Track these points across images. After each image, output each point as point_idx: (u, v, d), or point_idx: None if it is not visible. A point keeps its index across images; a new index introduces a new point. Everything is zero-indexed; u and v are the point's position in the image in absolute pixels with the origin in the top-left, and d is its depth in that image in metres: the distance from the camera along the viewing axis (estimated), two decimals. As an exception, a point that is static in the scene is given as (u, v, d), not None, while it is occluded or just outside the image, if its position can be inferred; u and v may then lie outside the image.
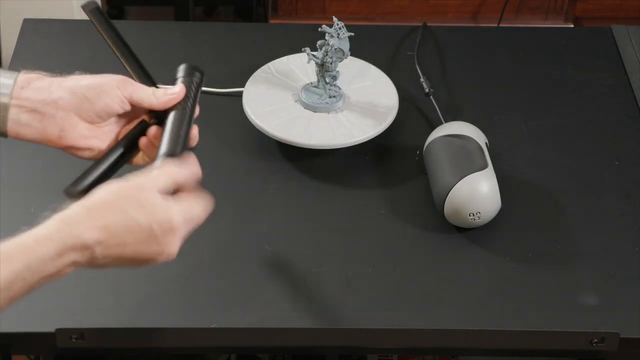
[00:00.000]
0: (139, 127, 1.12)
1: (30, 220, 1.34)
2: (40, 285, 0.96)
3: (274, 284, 1.27)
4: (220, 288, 1.26)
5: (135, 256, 0.99)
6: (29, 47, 1.62)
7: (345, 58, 1.44)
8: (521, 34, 1.74)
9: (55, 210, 0.98)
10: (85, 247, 0.96)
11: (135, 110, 1.12)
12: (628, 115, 1.54)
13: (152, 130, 1.11)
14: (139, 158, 1.13)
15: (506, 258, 1.31)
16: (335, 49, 1.42)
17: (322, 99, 1.46)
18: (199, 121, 1.51)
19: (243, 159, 1.44)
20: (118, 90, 1.09)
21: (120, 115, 1.12)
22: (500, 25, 2.23)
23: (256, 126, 1.43)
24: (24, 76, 1.10)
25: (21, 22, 1.67)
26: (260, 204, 1.37)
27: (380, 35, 1.69)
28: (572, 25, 2.32)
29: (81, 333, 1.20)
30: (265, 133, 1.42)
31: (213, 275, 1.28)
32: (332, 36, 1.43)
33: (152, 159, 1.08)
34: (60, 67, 1.57)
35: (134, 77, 1.12)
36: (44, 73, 1.12)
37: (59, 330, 1.19)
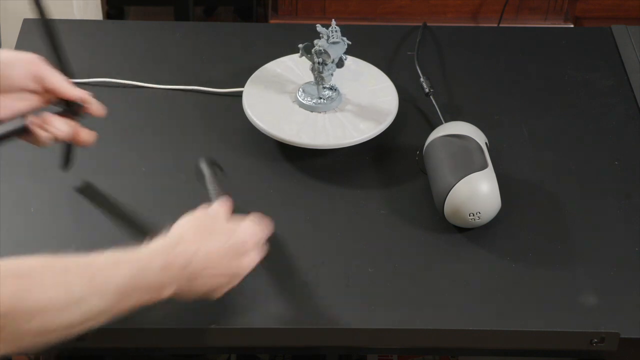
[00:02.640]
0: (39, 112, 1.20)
1: (31, 220, 1.34)
2: (143, 302, 1.07)
3: (274, 284, 1.27)
4: (220, 288, 1.26)
5: (222, 276, 1.14)
6: (29, 47, 1.61)
7: (332, 63, 1.43)
8: (521, 34, 1.74)
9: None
10: (185, 267, 1.09)
11: (47, 94, 1.20)
12: (628, 115, 1.54)
13: (48, 116, 1.18)
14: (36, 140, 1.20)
15: (506, 258, 1.31)
16: (322, 51, 1.42)
17: (315, 99, 1.46)
18: (199, 121, 1.51)
19: (243, 159, 1.44)
20: (29, 66, 1.17)
21: (31, 93, 1.19)
22: (500, 25, 2.23)
23: (256, 126, 1.43)
24: None
25: (21, 22, 1.67)
26: (260, 203, 1.37)
27: (380, 35, 1.69)
28: (572, 25, 2.32)
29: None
30: (265, 133, 1.42)
31: (213, 275, 1.28)
32: (322, 37, 1.43)
33: (39, 142, 1.19)
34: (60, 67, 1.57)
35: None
36: None
37: (59, 330, 1.19)
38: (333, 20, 1.44)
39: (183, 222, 1.15)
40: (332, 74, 1.46)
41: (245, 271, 1.17)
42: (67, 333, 1.00)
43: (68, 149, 1.31)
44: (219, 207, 1.20)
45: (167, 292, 1.09)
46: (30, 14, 1.58)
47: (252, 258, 1.17)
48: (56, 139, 1.20)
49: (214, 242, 1.13)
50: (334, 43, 1.43)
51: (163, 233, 1.12)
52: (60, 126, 1.19)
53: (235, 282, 1.16)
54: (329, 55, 1.42)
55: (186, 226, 1.14)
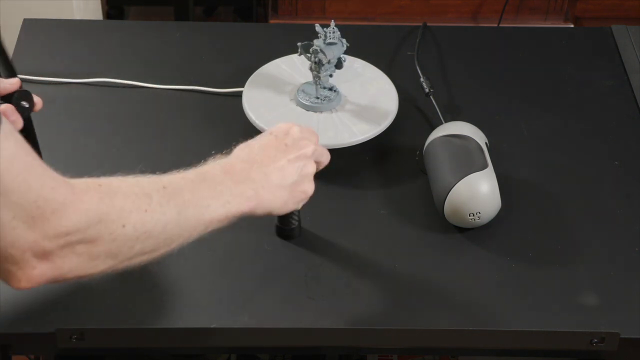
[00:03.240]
0: None
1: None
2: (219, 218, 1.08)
3: (274, 284, 1.27)
4: (220, 288, 1.26)
5: (291, 163, 1.15)
6: (29, 47, 1.62)
7: (329, 63, 1.43)
8: (521, 34, 1.74)
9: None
10: (247, 169, 1.11)
11: None
12: (628, 115, 1.54)
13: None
14: None
15: (506, 258, 1.31)
16: (318, 50, 1.42)
17: (313, 99, 1.46)
18: (199, 121, 1.51)
19: (243, 159, 1.44)
20: None
21: None
22: (500, 25, 2.23)
23: (256, 126, 1.43)
24: None
25: (21, 22, 1.67)
26: (260, 204, 1.37)
27: (380, 35, 1.69)
28: (572, 25, 2.32)
29: (81, 333, 1.20)
30: (265, 133, 1.42)
31: (213, 275, 1.28)
32: (320, 37, 1.43)
33: None
34: (60, 67, 1.57)
35: None
36: None
37: (59, 330, 1.19)
38: (332, 21, 1.44)
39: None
40: (331, 75, 1.45)
41: (308, 160, 1.17)
42: (163, 242, 1.02)
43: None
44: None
45: (246, 194, 1.10)
46: (30, 14, 1.58)
47: (303, 145, 1.17)
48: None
49: (264, 139, 1.16)
50: (330, 44, 1.43)
51: None
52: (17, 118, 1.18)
53: (308, 169, 1.17)
54: (325, 55, 1.42)
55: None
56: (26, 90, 1.21)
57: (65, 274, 0.95)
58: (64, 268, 0.94)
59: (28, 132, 1.22)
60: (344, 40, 1.44)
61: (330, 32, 1.43)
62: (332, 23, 1.44)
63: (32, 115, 1.22)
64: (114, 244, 0.97)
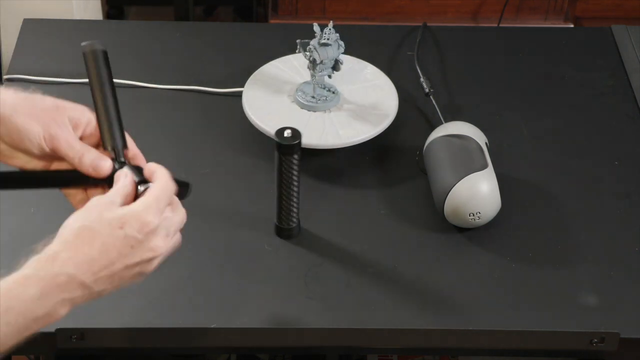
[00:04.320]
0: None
1: (31, 219, 1.34)
2: (35, 330, 0.92)
3: (274, 284, 1.27)
4: (220, 288, 1.26)
5: (128, 270, 0.96)
6: (29, 47, 1.62)
7: (322, 64, 1.43)
8: (521, 34, 1.74)
9: (33, 251, 0.95)
10: (72, 282, 0.93)
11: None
12: (628, 115, 1.54)
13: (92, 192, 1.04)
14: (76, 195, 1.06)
15: (506, 258, 1.31)
16: (312, 49, 1.42)
17: (309, 98, 1.46)
18: (199, 121, 1.51)
19: (243, 159, 1.44)
20: (41, 141, 1.02)
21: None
22: (500, 25, 2.23)
23: (256, 126, 1.43)
24: None
25: (21, 22, 1.67)
26: (260, 203, 1.37)
27: (380, 35, 1.69)
28: (572, 25, 2.32)
29: (81, 333, 1.20)
30: (266, 133, 1.42)
31: (213, 275, 1.28)
32: (315, 37, 1.43)
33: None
34: (60, 67, 1.57)
35: (103, 135, 1.05)
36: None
37: (59, 330, 1.19)
38: (331, 21, 1.44)
39: (70, 221, 0.97)
40: (328, 75, 1.45)
41: (155, 264, 0.99)
42: None
43: None
44: (116, 192, 0.99)
45: (60, 314, 0.94)
46: (30, 14, 1.58)
47: (158, 242, 0.97)
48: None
49: (103, 240, 0.94)
50: (324, 44, 1.42)
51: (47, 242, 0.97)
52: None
53: (147, 271, 0.99)
54: (318, 55, 1.42)
55: (69, 227, 0.96)
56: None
57: None
58: None
59: None
60: (341, 43, 1.44)
61: (326, 33, 1.43)
62: (330, 24, 1.44)
63: None
64: None
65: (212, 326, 1.21)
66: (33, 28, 1.66)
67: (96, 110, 1.05)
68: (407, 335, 1.24)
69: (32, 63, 1.58)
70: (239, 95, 1.50)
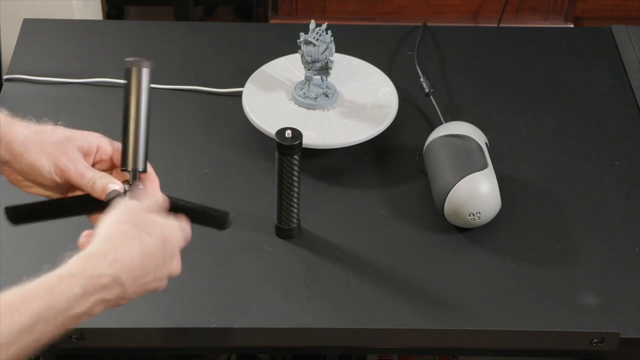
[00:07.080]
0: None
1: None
2: (70, 327, 0.95)
3: (274, 284, 1.27)
4: (220, 288, 1.26)
5: (155, 281, 1.01)
6: (29, 47, 1.62)
7: (307, 63, 1.43)
8: (521, 34, 1.74)
9: (77, 248, 0.98)
10: (114, 283, 0.96)
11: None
12: (628, 115, 1.54)
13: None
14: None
15: (506, 258, 1.31)
16: (300, 45, 1.42)
17: (306, 97, 1.46)
18: (199, 121, 1.51)
19: (243, 159, 1.44)
20: (52, 176, 1.06)
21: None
22: (500, 25, 2.23)
23: (256, 126, 1.43)
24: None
25: (21, 22, 1.67)
26: (260, 203, 1.37)
27: (380, 35, 1.69)
28: (572, 25, 2.32)
29: (81, 333, 1.20)
30: (266, 133, 1.42)
31: (213, 275, 1.28)
32: (309, 34, 1.43)
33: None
34: (60, 67, 1.57)
35: (126, 155, 1.07)
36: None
37: (59, 330, 1.19)
38: (325, 23, 1.44)
39: (111, 220, 1.01)
40: (327, 76, 1.45)
41: (174, 274, 1.04)
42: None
43: None
44: (150, 200, 1.06)
45: (94, 312, 0.97)
46: (30, 14, 1.58)
47: (177, 257, 1.04)
48: None
49: (142, 248, 0.99)
50: (307, 42, 1.42)
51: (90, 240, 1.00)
52: None
53: (164, 284, 1.04)
54: (302, 52, 1.43)
55: (114, 227, 1.00)
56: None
57: None
58: None
59: None
60: (330, 44, 1.43)
61: (314, 32, 1.42)
62: (324, 25, 1.43)
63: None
64: None
65: (212, 326, 1.21)
66: (33, 28, 1.66)
67: (125, 129, 1.08)
68: (407, 335, 1.24)
69: (32, 63, 1.58)
70: (239, 95, 1.50)
